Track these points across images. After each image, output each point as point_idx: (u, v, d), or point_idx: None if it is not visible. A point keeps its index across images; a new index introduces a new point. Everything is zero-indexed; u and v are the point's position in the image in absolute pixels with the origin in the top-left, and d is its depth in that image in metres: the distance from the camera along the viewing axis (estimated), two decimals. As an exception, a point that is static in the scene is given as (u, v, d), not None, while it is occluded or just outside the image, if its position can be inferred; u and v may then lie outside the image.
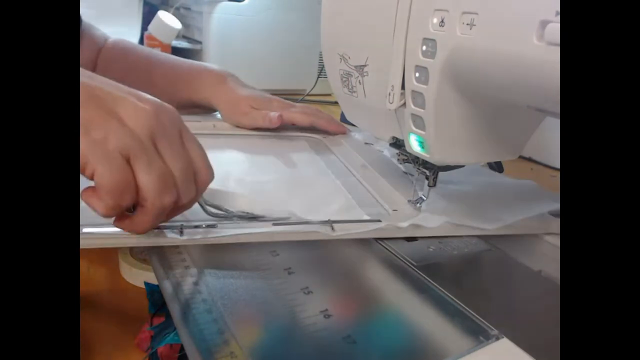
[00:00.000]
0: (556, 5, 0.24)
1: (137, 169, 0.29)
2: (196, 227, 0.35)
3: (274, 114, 0.61)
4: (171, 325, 0.32)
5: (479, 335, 0.28)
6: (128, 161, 0.28)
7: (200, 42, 1.06)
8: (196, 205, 0.35)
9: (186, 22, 1.12)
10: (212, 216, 0.36)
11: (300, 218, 0.38)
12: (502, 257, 0.40)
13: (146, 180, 0.29)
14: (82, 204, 0.37)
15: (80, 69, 0.29)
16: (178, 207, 0.32)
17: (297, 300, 0.30)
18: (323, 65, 1.07)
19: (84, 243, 0.32)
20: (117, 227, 0.31)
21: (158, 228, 0.34)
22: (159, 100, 0.31)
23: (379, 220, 0.39)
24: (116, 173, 0.28)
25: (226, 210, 0.37)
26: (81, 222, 0.32)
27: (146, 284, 0.37)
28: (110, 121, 0.28)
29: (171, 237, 0.34)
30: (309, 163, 0.55)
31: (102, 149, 0.27)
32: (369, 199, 0.45)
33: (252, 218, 0.37)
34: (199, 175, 0.32)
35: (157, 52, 0.73)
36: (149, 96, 0.31)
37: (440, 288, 0.33)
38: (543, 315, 0.32)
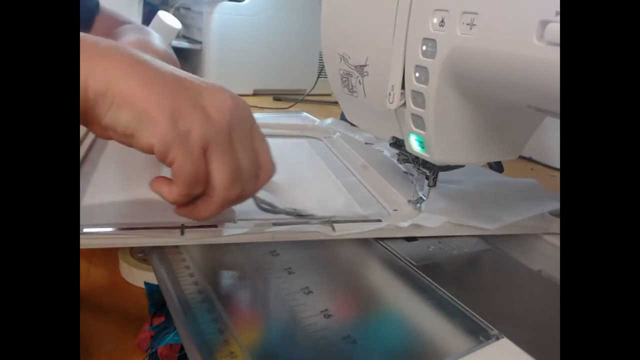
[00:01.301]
0: (556, 5, 0.24)
1: (212, 160, 0.29)
2: (197, 227, 0.35)
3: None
4: (171, 325, 0.32)
5: (479, 335, 0.28)
6: (205, 151, 0.29)
7: (200, 42, 1.06)
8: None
9: (186, 22, 1.12)
10: (263, 210, 0.38)
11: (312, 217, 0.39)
12: (502, 257, 0.40)
13: (219, 172, 0.30)
14: (82, 203, 0.38)
15: (162, 63, 0.30)
16: (239, 198, 0.33)
17: (297, 300, 0.30)
18: (323, 65, 1.06)
19: (84, 243, 0.32)
20: (178, 213, 0.32)
21: (158, 228, 0.34)
22: (236, 94, 0.32)
23: (380, 220, 0.39)
24: (195, 164, 0.29)
25: (275, 207, 0.38)
26: (81, 222, 0.32)
27: (146, 284, 0.37)
28: (195, 113, 0.29)
29: (171, 237, 0.34)
30: (310, 163, 0.55)
31: (186, 140, 0.28)
32: (370, 198, 0.45)
33: (300, 216, 0.38)
34: (262, 170, 0.33)
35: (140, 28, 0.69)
36: (228, 89, 0.32)
37: (440, 288, 0.33)
38: (543, 315, 0.32)
